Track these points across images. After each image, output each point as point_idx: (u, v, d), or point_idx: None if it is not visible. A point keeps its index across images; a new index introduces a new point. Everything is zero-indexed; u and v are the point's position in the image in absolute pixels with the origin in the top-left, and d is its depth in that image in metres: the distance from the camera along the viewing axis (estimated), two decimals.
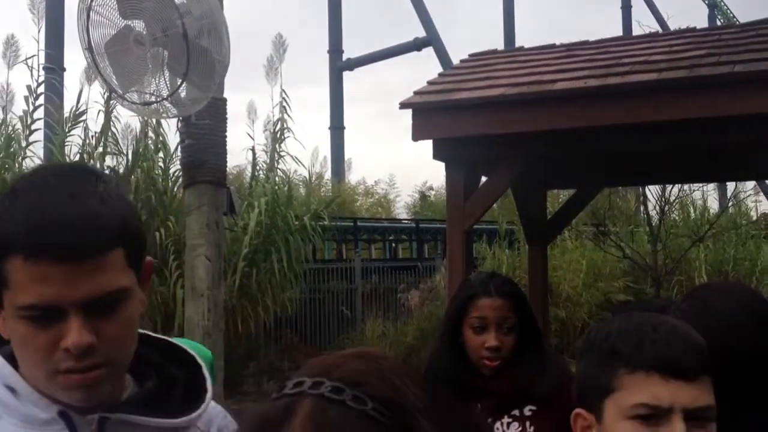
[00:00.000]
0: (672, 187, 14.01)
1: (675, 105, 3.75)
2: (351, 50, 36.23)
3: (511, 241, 16.59)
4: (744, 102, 3.65)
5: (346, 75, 36.00)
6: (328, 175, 29.27)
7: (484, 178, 4.43)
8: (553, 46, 5.02)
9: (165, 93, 4.06)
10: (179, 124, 4.74)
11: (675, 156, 5.15)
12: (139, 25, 3.87)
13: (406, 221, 24.80)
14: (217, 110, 4.51)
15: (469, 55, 5.30)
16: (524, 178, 4.43)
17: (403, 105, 4.12)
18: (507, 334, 2.33)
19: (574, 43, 4.93)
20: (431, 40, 32.19)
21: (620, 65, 4.06)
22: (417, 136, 4.09)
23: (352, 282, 15.47)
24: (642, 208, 15.85)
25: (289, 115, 12.68)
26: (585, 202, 6.41)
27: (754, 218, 24.24)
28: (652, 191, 14.65)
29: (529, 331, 2.35)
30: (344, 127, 35.54)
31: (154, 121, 11.01)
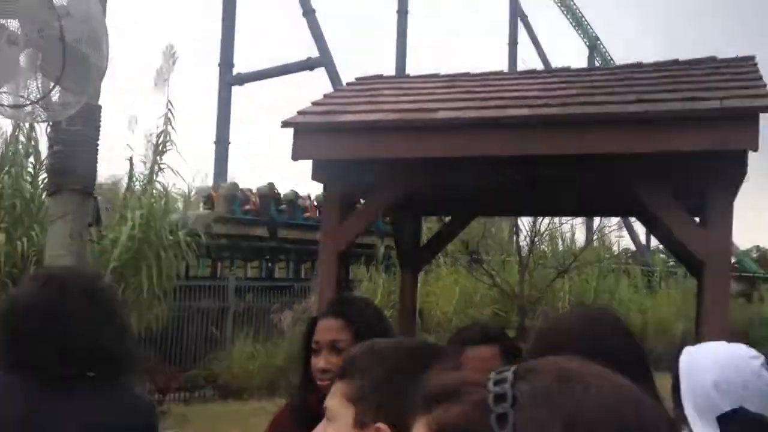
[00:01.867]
0: (542, 219, 14.61)
1: (547, 140, 3.90)
2: (243, 65, 35.86)
3: (388, 264, 16.78)
4: (609, 141, 3.84)
5: (236, 90, 35.59)
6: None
7: (362, 201, 4.46)
8: (437, 75, 5.13)
9: (36, 96, 3.87)
10: (48, 129, 4.52)
11: (546, 190, 5.35)
12: (13, 24, 3.67)
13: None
14: (90, 117, 4.33)
15: (356, 79, 5.34)
16: (401, 203, 4.49)
17: (285, 124, 4.10)
18: (339, 355, 2.31)
19: (457, 74, 5.06)
20: (324, 60, 32.34)
21: (498, 99, 4.19)
22: (297, 155, 4.07)
23: (225, 301, 15.17)
24: (514, 239, 16.42)
25: (173, 127, 12.40)
26: (459, 230, 6.55)
27: (616, 253, 25.57)
28: (524, 222, 15.24)
29: None
30: (230, 142, 35.04)
31: (27, 124, 10.49)
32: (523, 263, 14.24)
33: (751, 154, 3.83)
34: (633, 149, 3.85)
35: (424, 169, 4.11)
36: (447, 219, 6.74)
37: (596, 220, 20.48)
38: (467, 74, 5.02)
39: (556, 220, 16.21)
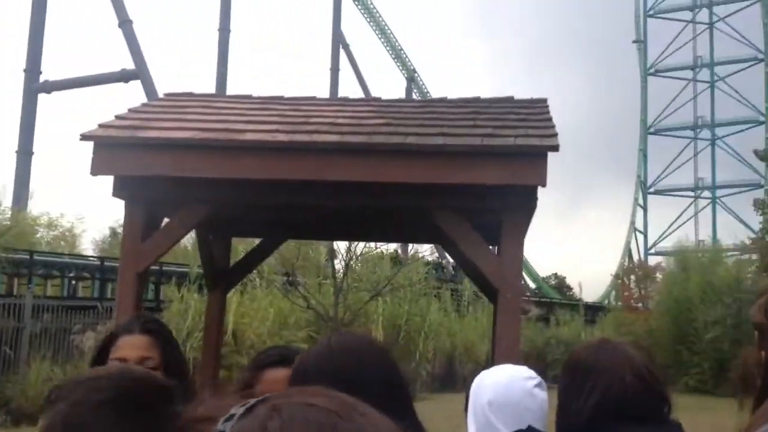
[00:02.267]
0: (358, 243, 14.85)
1: (354, 168, 3.98)
2: (52, 72, 34.00)
3: (201, 285, 16.42)
4: (413, 171, 3.98)
5: (44, 98, 33.63)
6: (7, 202, 26.80)
7: (166, 220, 4.33)
8: (249, 96, 5.10)
9: None
10: None
11: (357, 215, 5.45)
12: None
13: (91, 258, 23.39)
14: None
15: (164, 95, 5.20)
16: (208, 222, 4.41)
17: (85, 137, 3.91)
18: None
19: (270, 96, 5.06)
20: (139, 73, 31.29)
21: (309, 124, 4.23)
22: (96, 170, 3.89)
23: (21, 320, 14.14)
24: (330, 262, 16.58)
25: None
26: (269, 251, 6.51)
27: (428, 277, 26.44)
28: (341, 246, 15.42)
29: (175, 372, 2.28)
30: (33, 153, 32.98)
31: None
32: (338, 286, 14.40)
33: (553, 191, 4.13)
34: (435, 180, 4.02)
35: (230, 190, 4.06)
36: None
37: (411, 245, 21.13)
38: (280, 98, 5.03)
39: (372, 244, 16.55)
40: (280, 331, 17.16)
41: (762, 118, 67.51)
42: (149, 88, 30.28)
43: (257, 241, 6.36)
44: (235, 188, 4.04)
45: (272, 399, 0.69)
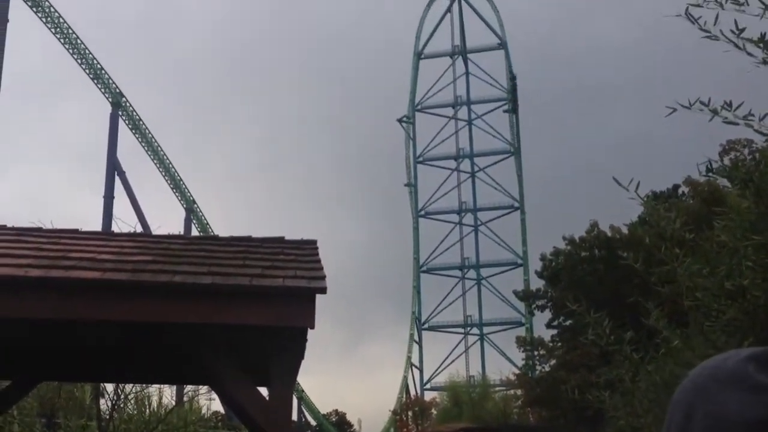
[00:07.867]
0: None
1: (116, 306, 3.80)
2: None
3: None
4: (179, 310, 3.87)
5: None
6: None
7: None
8: (3, 227, 4.78)
9: None
10: None
11: (124, 354, 5.13)
12: None
13: None
14: None
15: None
16: None
17: None
18: None
19: (27, 228, 4.78)
20: None
21: (67, 259, 4.01)
22: None
23: None
24: (96, 402, 15.42)
25: None
26: (21, 395, 5.93)
27: (206, 416, 25.32)
28: (108, 384, 14.38)
29: None
30: None
31: None
32: (102, 427, 13.35)
33: (336, 328, 4.17)
34: (202, 320, 3.92)
35: None
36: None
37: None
38: (38, 229, 4.76)
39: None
40: None
41: (520, 261, 73.59)
42: None
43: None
44: None
45: None
